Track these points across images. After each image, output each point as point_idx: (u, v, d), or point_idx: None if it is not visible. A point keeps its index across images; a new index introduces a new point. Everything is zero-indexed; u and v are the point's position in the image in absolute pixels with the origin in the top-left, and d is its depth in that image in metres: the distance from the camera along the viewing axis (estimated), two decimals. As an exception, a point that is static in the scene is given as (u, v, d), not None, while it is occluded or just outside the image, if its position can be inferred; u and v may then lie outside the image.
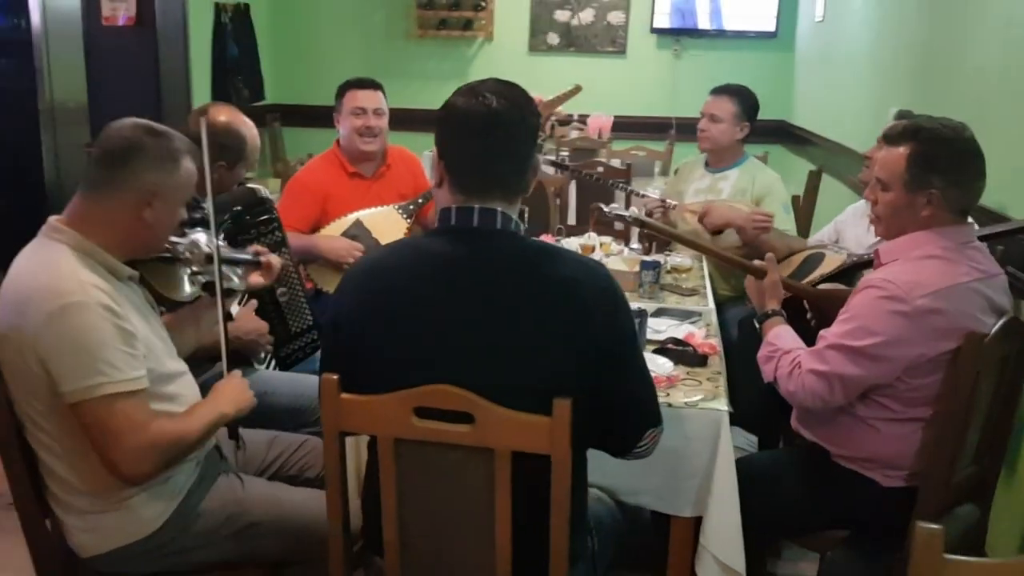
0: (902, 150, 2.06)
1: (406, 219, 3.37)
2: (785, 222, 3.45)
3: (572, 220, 4.85)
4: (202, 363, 2.25)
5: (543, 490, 1.57)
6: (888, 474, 2.11)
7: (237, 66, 6.48)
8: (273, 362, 2.79)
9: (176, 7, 4.50)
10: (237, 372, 2.07)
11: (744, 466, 2.26)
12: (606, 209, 2.78)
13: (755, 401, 2.59)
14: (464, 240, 1.63)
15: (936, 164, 2.02)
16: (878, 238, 2.27)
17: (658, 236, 2.70)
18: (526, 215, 3.20)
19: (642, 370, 1.70)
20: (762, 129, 6.56)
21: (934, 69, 3.61)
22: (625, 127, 6.56)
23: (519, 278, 1.60)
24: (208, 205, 2.08)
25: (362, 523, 1.80)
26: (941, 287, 1.97)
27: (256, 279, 2.34)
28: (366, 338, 1.64)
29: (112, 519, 1.87)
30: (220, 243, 2.14)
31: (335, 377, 1.60)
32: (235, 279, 2.26)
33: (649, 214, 3.45)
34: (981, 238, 2.30)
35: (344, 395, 1.61)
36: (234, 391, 2.01)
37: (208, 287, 2.11)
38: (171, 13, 4.47)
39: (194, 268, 2.09)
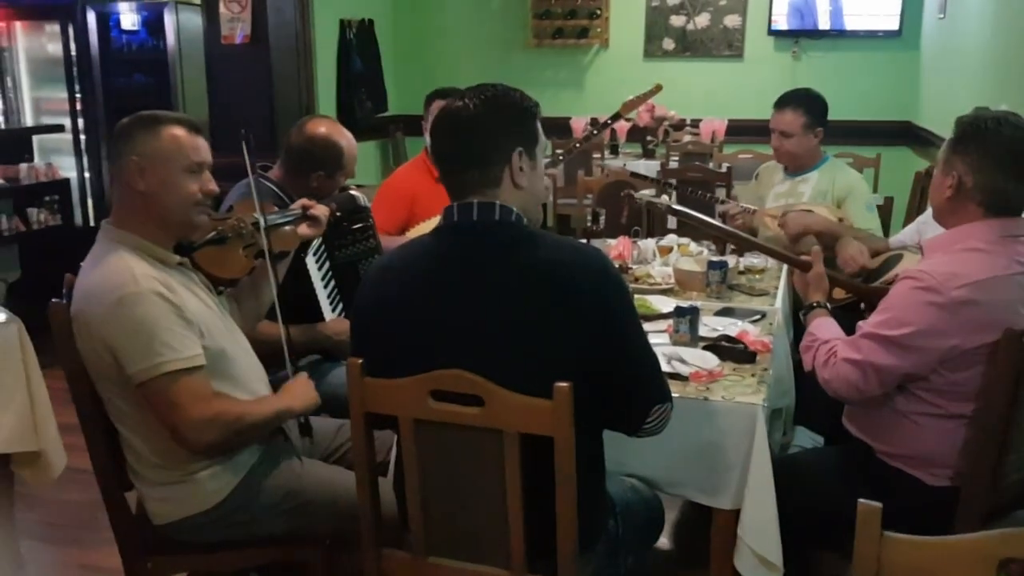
0: (952, 132, 2.07)
1: None
2: (868, 221, 3.39)
3: (673, 224, 4.85)
4: (270, 364, 2.37)
5: (554, 469, 1.65)
6: (933, 472, 2.08)
7: (361, 79, 6.79)
8: (328, 264, 2.88)
9: (290, 24, 4.78)
10: (303, 374, 2.23)
11: (789, 462, 2.27)
12: (636, 195, 2.80)
13: (822, 401, 2.58)
14: (464, 234, 1.74)
15: (961, 147, 2.03)
16: None
17: (694, 226, 2.67)
18: (602, 217, 3.26)
19: (642, 348, 1.74)
20: (887, 131, 6.48)
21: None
22: (742, 131, 6.51)
23: (515, 267, 1.68)
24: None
25: (396, 503, 1.92)
26: (979, 279, 1.94)
27: (304, 230, 2.46)
28: (382, 329, 1.77)
29: (181, 490, 2.04)
30: (271, 215, 2.30)
31: (359, 361, 1.73)
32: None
33: (728, 218, 3.47)
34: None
35: (368, 378, 1.73)
36: (301, 389, 2.18)
37: (263, 254, 2.26)
38: (285, 30, 4.74)
39: (247, 242, 2.24)
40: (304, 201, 2.52)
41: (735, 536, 2.15)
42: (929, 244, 2.13)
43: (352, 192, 2.90)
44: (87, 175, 5.97)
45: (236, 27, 4.48)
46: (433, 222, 3.38)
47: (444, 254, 1.74)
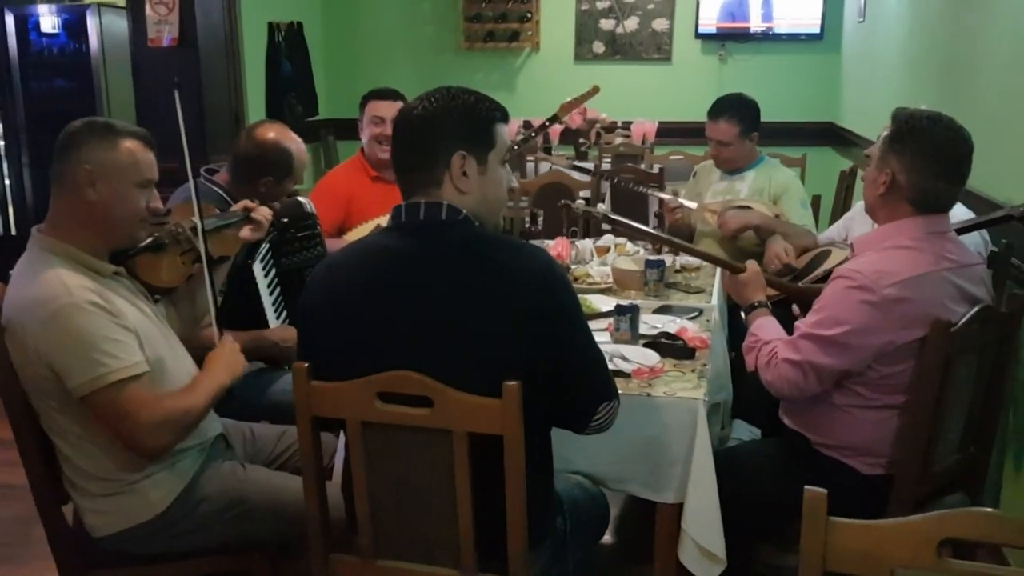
0: (886, 128, 2.13)
1: None
2: (803, 217, 3.48)
3: (605, 225, 4.91)
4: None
5: (503, 469, 1.66)
6: (867, 462, 2.15)
7: (291, 83, 6.71)
8: (273, 272, 2.84)
9: (219, 26, 4.71)
10: (228, 337, 2.18)
11: (730, 455, 2.32)
12: (574, 206, 2.84)
13: (758, 395, 2.64)
14: (411, 234, 1.74)
15: (897, 145, 2.08)
16: None
17: (630, 234, 2.71)
18: (540, 218, 3.29)
19: (587, 345, 1.76)
20: (809, 132, 6.63)
21: (959, 66, 3.60)
22: (671, 132, 6.61)
23: (461, 267, 1.69)
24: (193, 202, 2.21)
25: (345, 506, 1.91)
26: (908, 276, 2.01)
27: (246, 234, 2.44)
28: (329, 330, 1.76)
29: (122, 501, 2.01)
30: (210, 219, 2.27)
31: (305, 365, 1.72)
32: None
33: (667, 211, 3.53)
34: (969, 228, 2.34)
35: (314, 382, 1.72)
36: (226, 358, 2.13)
37: (200, 259, 2.21)
38: (214, 32, 4.67)
39: (184, 248, 2.21)
40: (245, 202, 2.49)
41: (679, 530, 2.19)
42: (859, 242, 2.19)
43: (299, 199, 2.87)
44: (7, 182, 5.79)
45: (163, 29, 4.41)
46: (371, 224, 3.44)
47: (391, 253, 1.74)
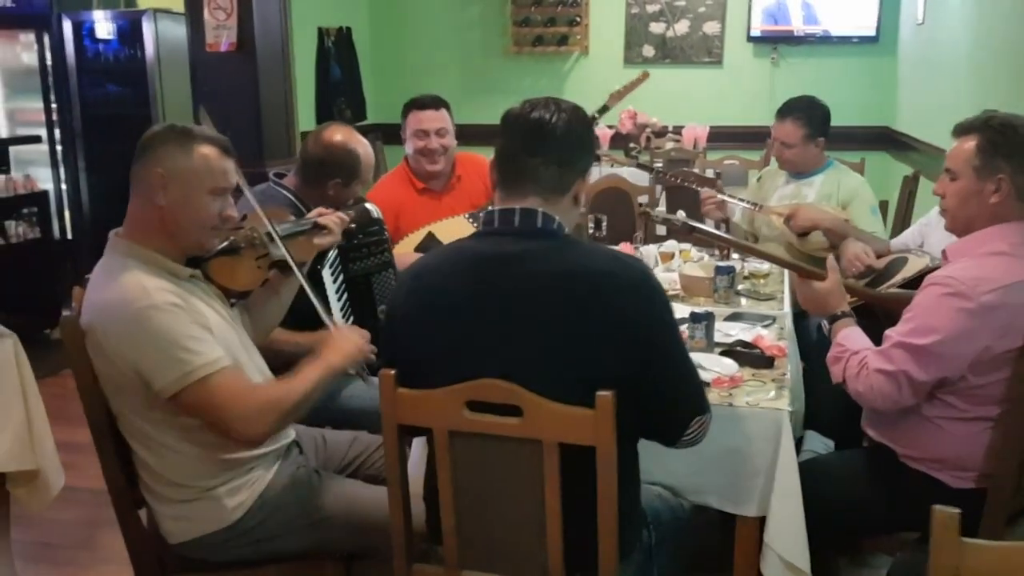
0: (972, 138, 2.07)
1: (476, 226, 3.41)
2: (872, 224, 3.41)
3: (662, 231, 4.86)
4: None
5: (593, 480, 1.63)
6: (957, 475, 2.08)
7: (340, 88, 6.73)
8: (340, 279, 2.83)
9: (275, 31, 4.72)
10: (342, 323, 2.17)
11: (812, 467, 2.26)
12: (653, 213, 2.79)
13: (832, 405, 2.58)
14: (505, 240, 1.71)
15: (1004, 149, 2.02)
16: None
17: (709, 241, 2.65)
18: (604, 223, 3.24)
19: (683, 358, 1.74)
20: (863, 136, 6.52)
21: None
22: (722, 137, 6.54)
23: (555, 273, 1.66)
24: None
25: (425, 516, 1.88)
26: (1006, 283, 1.95)
27: (319, 240, 2.42)
28: (416, 335, 1.74)
29: (198, 508, 2.00)
30: (284, 225, 2.27)
31: (392, 372, 1.69)
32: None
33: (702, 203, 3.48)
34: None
35: (401, 389, 1.70)
36: (343, 341, 2.10)
37: (276, 265, 2.22)
38: (271, 37, 4.68)
39: (259, 253, 2.20)
40: (320, 209, 2.48)
41: (760, 543, 2.14)
42: (953, 249, 2.12)
43: (367, 205, 2.85)
44: (64, 187, 5.85)
45: (222, 35, 4.42)
46: (422, 232, 3.39)
47: (485, 257, 1.72)
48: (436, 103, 3.43)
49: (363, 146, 2.79)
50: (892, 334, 2.07)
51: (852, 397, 2.15)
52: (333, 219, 2.46)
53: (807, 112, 3.51)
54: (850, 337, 2.20)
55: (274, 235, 2.19)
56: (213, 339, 1.91)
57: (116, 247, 1.99)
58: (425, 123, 3.37)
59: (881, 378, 2.04)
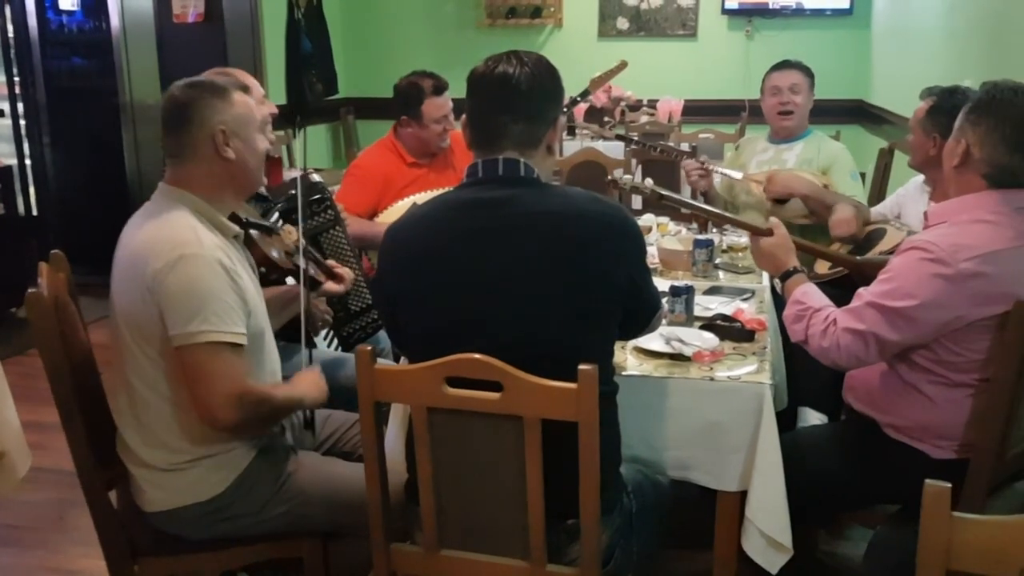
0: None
1: None
2: (852, 188, 3.37)
3: (638, 204, 4.82)
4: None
5: (570, 445, 1.60)
6: (938, 444, 2.07)
7: (311, 60, 6.62)
8: (335, 342, 2.88)
9: (244, 2, 4.62)
10: (317, 367, 2.20)
11: (793, 440, 2.24)
12: (620, 181, 2.74)
13: (822, 380, 2.56)
14: (491, 187, 1.75)
15: (973, 118, 2.01)
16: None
17: (677, 207, 2.63)
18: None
19: (650, 277, 1.89)
20: (838, 109, 6.50)
21: (1005, 41, 3.50)
22: (697, 111, 6.51)
23: (542, 214, 1.72)
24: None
25: (407, 476, 1.86)
26: (986, 251, 1.93)
27: (331, 286, 2.45)
28: (411, 274, 1.78)
29: (182, 477, 1.97)
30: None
31: (368, 348, 1.65)
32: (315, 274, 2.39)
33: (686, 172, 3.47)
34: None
35: (377, 366, 1.66)
36: (313, 382, 2.14)
37: (297, 275, 2.25)
38: (239, 8, 4.58)
39: (285, 249, 2.23)
40: (333, 262, 2.53)
41: (740, 518, 2.13)
42: (935, 211, 2.10)
43: (309, 175, 2.83)
44: (28, 162, 5.71)
45: (189, 5, 4.33)
46: (407, 203, 3.36)
47: (472, 202, 1.76)
48: (446, 85, 3.52)
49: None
50: (865, 293, 2.04)
51: (812, 354, 2.12)
52: (347, 272, 2.51)
53: (804, 67, 3.57)
54: (808, 294, 2.17)
55: (302, 247, 2.26)
56: (240, 314, 1.90)
57: (168, 194, 1.98)
58: (445, 108, 3.48)
59: (849, 336, 2.02)
